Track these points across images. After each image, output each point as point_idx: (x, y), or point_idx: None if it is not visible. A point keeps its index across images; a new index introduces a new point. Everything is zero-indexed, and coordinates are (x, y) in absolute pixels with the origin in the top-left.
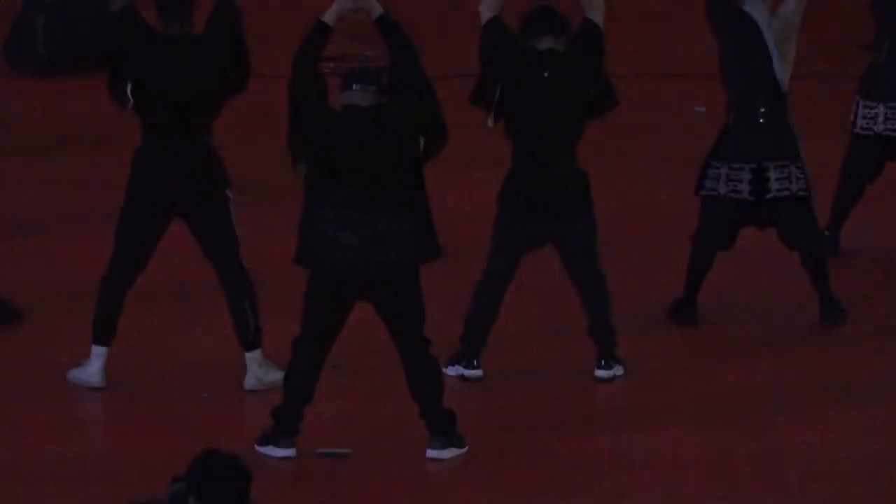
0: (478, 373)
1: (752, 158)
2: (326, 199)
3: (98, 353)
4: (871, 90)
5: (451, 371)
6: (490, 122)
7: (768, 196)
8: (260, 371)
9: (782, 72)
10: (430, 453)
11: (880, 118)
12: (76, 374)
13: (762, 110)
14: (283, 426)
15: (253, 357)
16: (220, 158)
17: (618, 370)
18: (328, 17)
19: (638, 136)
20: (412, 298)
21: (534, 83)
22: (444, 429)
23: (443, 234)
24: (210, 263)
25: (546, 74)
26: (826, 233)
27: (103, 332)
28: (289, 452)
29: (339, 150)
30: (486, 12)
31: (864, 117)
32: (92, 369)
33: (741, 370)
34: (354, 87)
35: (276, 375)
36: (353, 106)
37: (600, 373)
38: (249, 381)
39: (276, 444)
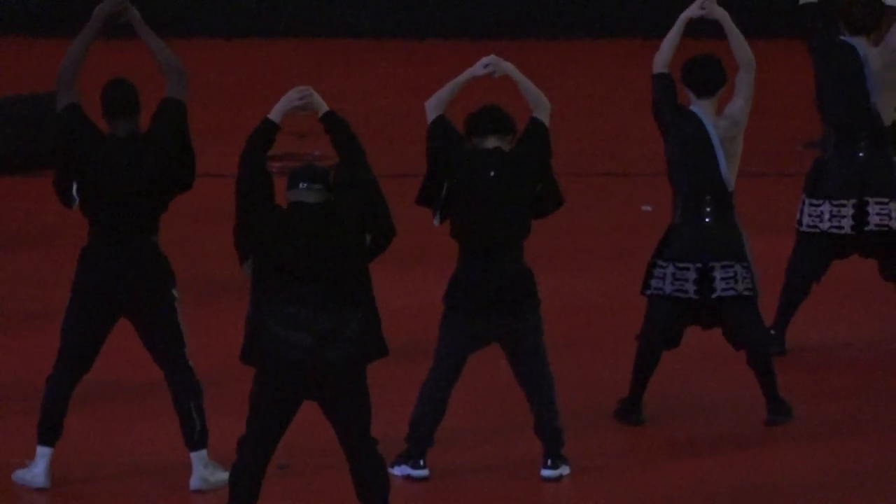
0: (424, 472)
1: (698, 258)
2: (274, 298)
3: (43, 454)
4: (816, 188)
5: (398, 471)
6: (437, 221)
7: (714, 295)
8: (206, 471)
9: (728, 171)
10: None
11: (826, 216)
12: (21, 475)
13: (708, 209)
14: None
15: (199, 457)
16: (165, 257)
17: (564, 469)
18: (275, 115)
19: (585, 235)
20: (359, 397)
21: (480, 182)
22: None
23: (389, 333)
24: (156, 362)
25: (492, 174)
26: (772, 331)
27: (48, 433)
28: None
29: (287, 247)
30: (431, 111)
31: (810, 215)
32: (37, 470)
33: (688, 470)
34: (301, 185)
35: (222, 476)
36: (300, 203)
37: (547, 472)
38: (195, 482)
39: None
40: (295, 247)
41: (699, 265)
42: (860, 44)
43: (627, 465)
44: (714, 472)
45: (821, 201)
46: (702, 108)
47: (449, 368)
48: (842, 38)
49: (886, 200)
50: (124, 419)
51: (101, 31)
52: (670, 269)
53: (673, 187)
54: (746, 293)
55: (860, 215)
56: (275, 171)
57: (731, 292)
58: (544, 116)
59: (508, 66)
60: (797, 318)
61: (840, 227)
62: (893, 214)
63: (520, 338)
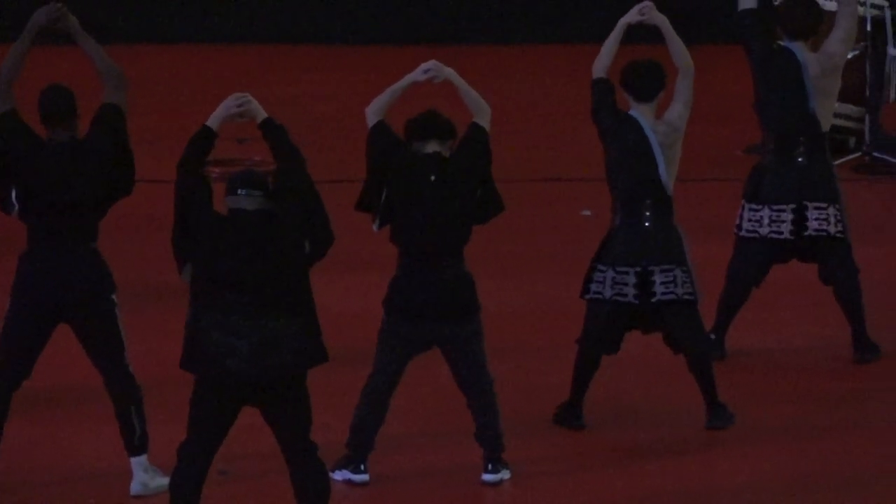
0: (364, 477)
1: (638, 262)
2: (213, 304)
3: None
4: (755, 193)
5: (338, 476)
6: (376, 227)
7: (654, 299)
8: (146, 476)
9: (667, 175)
10: None
11: (765, 221)
12: None
13: (648, 214)
14: None
15: (139, 463)
16: (105, 263)
17: (505, 474)
18: (213, 122)
19: (524, 239)
20: (299, 403)
21: (420, 187)
22: None
23: (330, 339)
24: (96, 368)
25: (433, 178)
26: (712, 336)
27: None
28: None
29: (226, 255)
30: (371, 116)
31: (750, 220)
32: None
33: (628, 474)
34: (240, 191)
35: (161, 481)
36: (239, 210)
37: (487, 477)
38: (135, 487)
39: None
40: (234, 254)
41: (639, 269)
42: (799, 49)
43: (568, 470)
44: (655, 477)
45: (760, 206)
46: (641, 113)
47: (388, 374)
48: (780, 43)
49: (825, 205)
50: (63, 425)
51: (38, 37)
52: (610, 274)
53: (612, 192)
54: (686, 297)
55: (799, 220)
56: (214, 177)
57: (671, 296)
58: (484, 121)
59: (449, 72)
60: (738, 323)
61: (780, 232)
62: (832, 219)
63: (460, 343)
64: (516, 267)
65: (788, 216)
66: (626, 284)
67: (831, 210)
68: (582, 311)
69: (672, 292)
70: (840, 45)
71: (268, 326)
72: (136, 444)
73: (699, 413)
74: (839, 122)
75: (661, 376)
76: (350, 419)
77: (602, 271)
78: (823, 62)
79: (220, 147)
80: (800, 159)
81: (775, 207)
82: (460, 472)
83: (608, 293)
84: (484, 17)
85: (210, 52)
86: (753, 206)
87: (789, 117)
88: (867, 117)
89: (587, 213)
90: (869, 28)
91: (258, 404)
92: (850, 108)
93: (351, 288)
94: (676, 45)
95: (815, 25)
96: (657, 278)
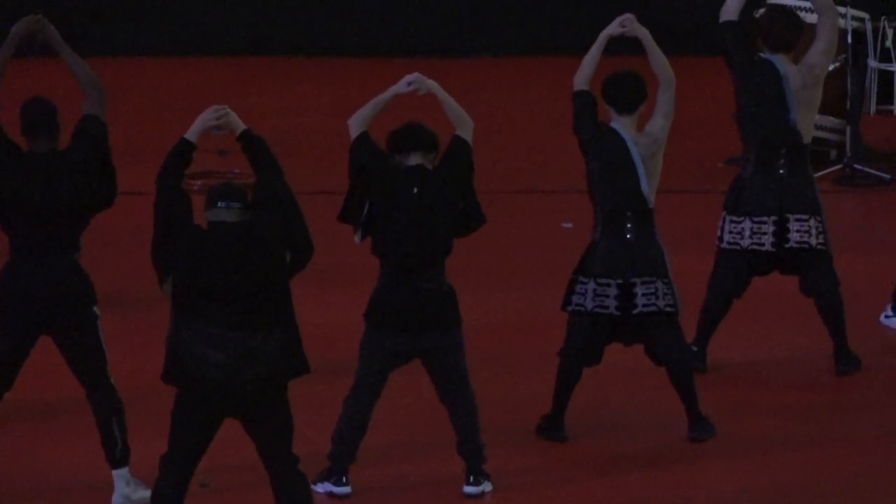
0: (346, 489)
1: (619, 274)
2: (195, 317)
3: None
4: (736, 205)
5: (320, 488)
6: (358, 239)
7: (635, 311)
8: (128, 489)
9: (649, 187)
10: None
11: (746, 233)
12: None
13: (629, 226)
14: None
15: (121, 475)
16: (86, 274)
17: (486, 486)
18: (192, 135)
19: (506, 251)
20: (280, 414)
21: (403, 199)
22: None
23: (311, 350)
24: (78, 380)
25: (415, 191)
26: (693, 348)
27: None
28: None
29: (207, 267)
30: (354, 128)
31: (731, 232)
32: None
33: (609, 486)
34: (220, 204)
35: (143, 493)
36: (219, 223)
37: (469, 489)
38: (117, 500)
39: None
40: (214, 267)
41: (620, 281)
42: (780, 61)
43: (549, 482)
44: (636, 489)
45: (741, 218)
46: (622, 125)
47: (370, 385)
48: (761, 55)
49: (806, 217)
50: (45, 437)
51: (19, 49)
52: (591, 286)
53: (593, 204)
54: (668, 309)
55: (781, 232)
56: (195, 189)
57: (653, 308)
58: (467, 134)
59: (431, 84)
60: (719, 335)
61: (761, 244)
62: (813, 231)
63: (441, 355)
64: (497, 279)
65: (770, 228)
66: (607, 296)
67: (812, 222)
68: (563, 324)
69: (653, 304)
70: (821, 58)
71: (249, 338)
72: (118, 457)
73: (681, 424)
74: (820, 134)
75: (644, 387)
76: (331, 431)
77: (583, 283)
78: (805, 74)
79: (201, 159)
80: (781, 171)
81: (757, 219)
82: (442, 484)
83: (590, 305)
84: (466, 29)
85: (191, 65)
86: (734, 219)
87: (771, 129)
88: (848, 129)
89: (568, 225)
90: (850, 40)
91: (239, 416)
92: (831, 121)
93: (332, 300)
94: (657, 57)
95: (796, 38)
96: (638, 290)
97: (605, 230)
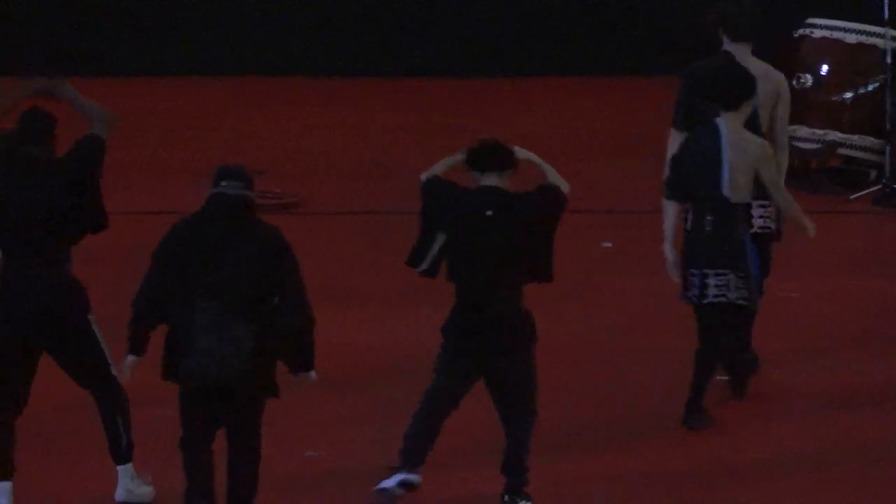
0: (415, 477)
1: (698, 265)
2: (192, 314)
3: (2, 490)
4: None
5: (392, 481)
6: (422, 268)
7: (705, 301)
8: (132, 484)
9: (731, 183)
10: None
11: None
12: None
13: (708, 218)
14: None
15: (125, 470)
16: (79, 283)
17: None
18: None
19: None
20: (253, 427)
21: (477, 222)
22: None
23: (326, 369)
24: (81, 385)
25: (489, 213)
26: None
27: (1, 469)
28: None
29: (200, 268)
30: (424, 175)
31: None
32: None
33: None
34: (223, 183)
35: (146, 490)
36: (219, 194)
37: None
38: (120, 494)
39: None
40: (207, 265)
41: (697, 272)
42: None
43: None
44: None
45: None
46: (724, 121)
47: (436, 401)
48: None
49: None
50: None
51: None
52: (690, 277)
53: (685, 196)
54: (739, 302)
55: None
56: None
57: (723, 299)
58: (563, 186)
59: (529, 155)
60: None
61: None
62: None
63: (506, 375)
64: (542, 299)
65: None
66: (693, 286)
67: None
68: (595, 345)
69: (724, 295)
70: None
71: (237, 328)
72: (123, 453)
73: (731, 442)
74: (859, 154)
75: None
76: (339, 449)
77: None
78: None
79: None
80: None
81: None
82: (482, 501)
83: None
84: (499, 49)
85: (189, 85)
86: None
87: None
88: (887, 149)
89: (608, 244)
90: (889, 60)
91: (226, 416)
92: (870, 141)
93: (348, 320)
94: None
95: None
96: (711, 281)
97: (691, 222)
